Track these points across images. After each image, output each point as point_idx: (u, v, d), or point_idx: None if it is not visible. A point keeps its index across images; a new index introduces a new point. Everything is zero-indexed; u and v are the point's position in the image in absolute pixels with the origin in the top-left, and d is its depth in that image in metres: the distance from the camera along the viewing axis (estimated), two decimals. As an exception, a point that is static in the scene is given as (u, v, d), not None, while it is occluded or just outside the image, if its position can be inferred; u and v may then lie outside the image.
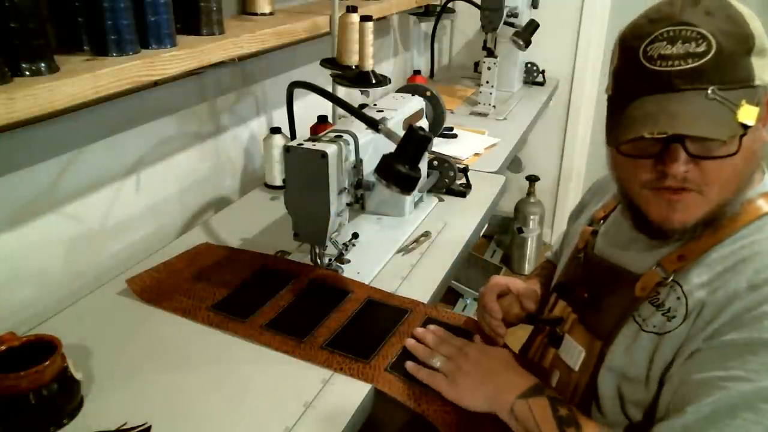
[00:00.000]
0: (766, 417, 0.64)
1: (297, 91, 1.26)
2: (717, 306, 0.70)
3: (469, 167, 1.56)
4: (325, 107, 1.62)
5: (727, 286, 0.70)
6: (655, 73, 0.70)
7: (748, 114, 0.66)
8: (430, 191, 1.46)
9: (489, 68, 2.13)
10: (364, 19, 1.36)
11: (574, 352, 0.85)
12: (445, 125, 1.47)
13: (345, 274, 1.13)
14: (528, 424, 0.78)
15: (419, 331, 0.98)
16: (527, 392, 0.81)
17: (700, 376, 0.69)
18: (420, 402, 0.85)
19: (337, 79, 1.44)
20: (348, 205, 1.11)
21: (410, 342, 0.96)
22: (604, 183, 1.01)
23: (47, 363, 0.77)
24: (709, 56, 0.67)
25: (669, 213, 0.74)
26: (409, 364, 0.91)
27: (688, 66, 0.68)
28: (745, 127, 0.67)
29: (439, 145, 1.78)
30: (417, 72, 2.27)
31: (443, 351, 0.92)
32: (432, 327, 0.99)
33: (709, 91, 0.67)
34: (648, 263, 0.79)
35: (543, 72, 2.59)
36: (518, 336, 1.05)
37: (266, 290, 1.09)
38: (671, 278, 0.76)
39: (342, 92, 1.53)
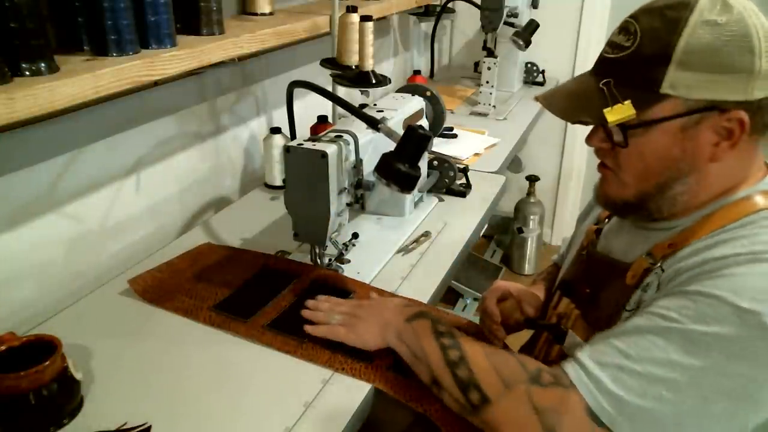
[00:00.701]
0: (672, 349, 0.67)
1: (297, 91, 1.26)
2: (687, 269, 0.72)
3: (469, 167, 1.56)
4: (325, 107, 1.62)
5: (700, 256, 0.72)
6: (599, 55, 0.79)
7: (616, 113, 0.72)
8: (430, 191, 1.46)
9: (489, 68, 2.13)
10: (364, 19, 1.36)
11: (577, 348, 0.85)
12: (445, 125, 1.47)
13: (345, 274, 1.13)
14: (412, 343, 0.86)
15: (311, 302, 1.02)
16: (411, 317, 0.89)
17: (644, 310, 0.72)
18: (422, 402, 0.85)
19: (337, 79, 1.44)
20: (348, 205, 1.11)
21: (306, 312, 1.00)
22: None
23: (47, 363, 0.77)
24: (628, 52, 0.73)
25: (598, 183, 0.84)
26: (307, 327, 0.96)
27: (610, 56, 0.76)
28: (624, 124, 0.73)
29: (439, 145, 1.78)
30: (417, 72, 2.27)
31: (339, 310, 0.98)
32: (322, 297, 1.04)
33: (602, 83, 0.74)
34: (639, 252, 0.81)
35: (543, 72, 2.59)
36: (521, 336, 1.05)
37: (268, 290, 1.09)
38: (659, 264, 0.77)
39: (342, 92, 1.53)
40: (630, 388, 0.68)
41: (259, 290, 1.09)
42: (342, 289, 1.10)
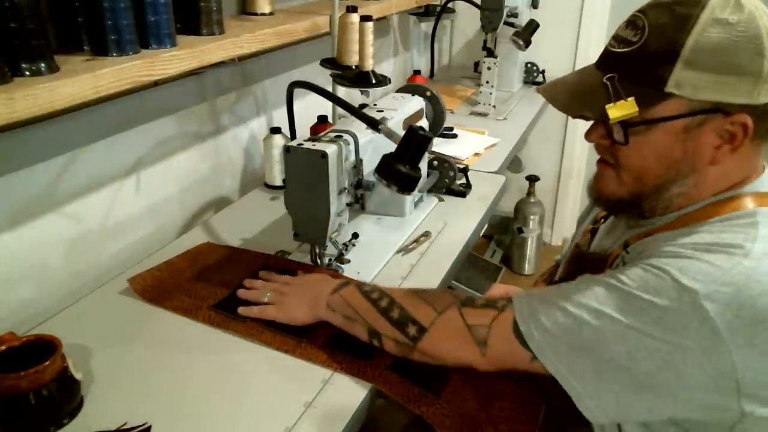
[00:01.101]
0: (608, 303, 0.69)
1: (297, 91, 1.26)
2: (648, 249, 0.74)
3: (469, 167, 1.56)
4: (325, 107, 1.62)
5: (663, 241, 0.73)
6: (604, 48, 0.79)
7: (618, 109, 0.71)
8: (430, 191, 1.46)
9: (489, 68, 2.13)
10: (364, 19, 1.36)
11: None
12: (445, 125, 1.47)
13: (345, 274, 1.13)
14: (344, 309, 0.90)
15: (248, 281, 1.05)
16: (337, 287, 0.94)
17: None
18: (420, 404, 0.85)
19: (337, 79, 1.44)
20: (348, 205, 1.11)
21: (241, 291, 1.04)
22: None
23: (47, 363, 0.77)
24: (634, 47, 0.72)
25: (594, 178, 0.84)
26: (241, 308, 1.00)
27: (616, 50, 0.75)
28: (625, 121, 0.72)
29: (439, 145, 1.77)
30: (417, 72, 2.27)
31: (270, 288, 1.02)
32: (262, 273, 1.08)
33: (606, 77, 0.73)
34: (620, 245, 0.82)
35: (543, 72, 2.59)
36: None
37: None
38: (626, 248, 0.79)
39: (342, 92, 1.53)
40: (559, 325, 0.70)
41: None
42: None
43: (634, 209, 0.80)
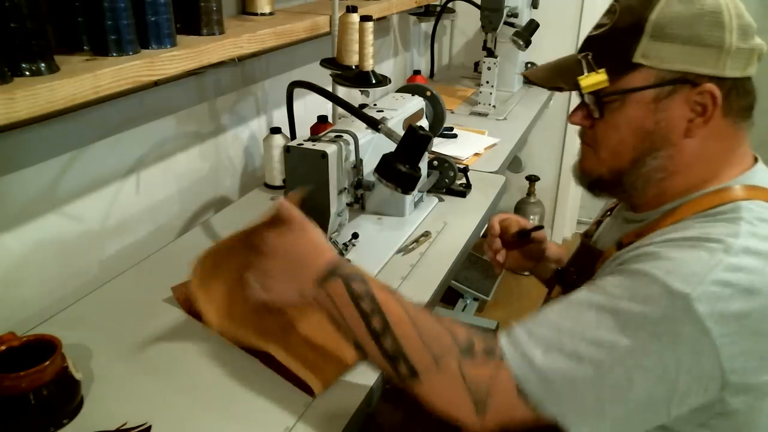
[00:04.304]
0: (603, 326, 0.67)
1: (297, 91, 1.26)
2: (636, 249, 0.74)
3: (469, 167, 1.56)
4: (325, 107, 1.62)
5: (651, 239, 0.74)
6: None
7: (589, 79, 0.76)
8: (430, 191, 1.46)
9: (489, 68, 2.13)
10: (364, 19, 1.36)
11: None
12: (445, 125, 1.47)
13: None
14: (330, 309, 0.78)
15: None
16: (323, 277, 0.79)
17: (588, 283, 0.74)
18: None
19: (337, 79, 1.44)
20: (348, 205, 1.11)
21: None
22: None
23: (47, 363, 0.77)
24: (606, 28, 0.79)
25: (578, 159, 0.87)
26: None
27: (592, 33, 0.82)
28: (599, 96, 0.77)
29: (439, 145, 1.78)
30: (417, 72, 2.27)
31: (254, 267, 0.87)
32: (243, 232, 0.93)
33: (580, 55, 0.79)
34: (614, 241, 0.83)
35: (543, 72, 2.59)
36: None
37: None
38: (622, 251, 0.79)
39: (342, 92, 1.53)
40: (560, 370, 0.67)
41: None
42: None
43: (615, 187, 0.82)
